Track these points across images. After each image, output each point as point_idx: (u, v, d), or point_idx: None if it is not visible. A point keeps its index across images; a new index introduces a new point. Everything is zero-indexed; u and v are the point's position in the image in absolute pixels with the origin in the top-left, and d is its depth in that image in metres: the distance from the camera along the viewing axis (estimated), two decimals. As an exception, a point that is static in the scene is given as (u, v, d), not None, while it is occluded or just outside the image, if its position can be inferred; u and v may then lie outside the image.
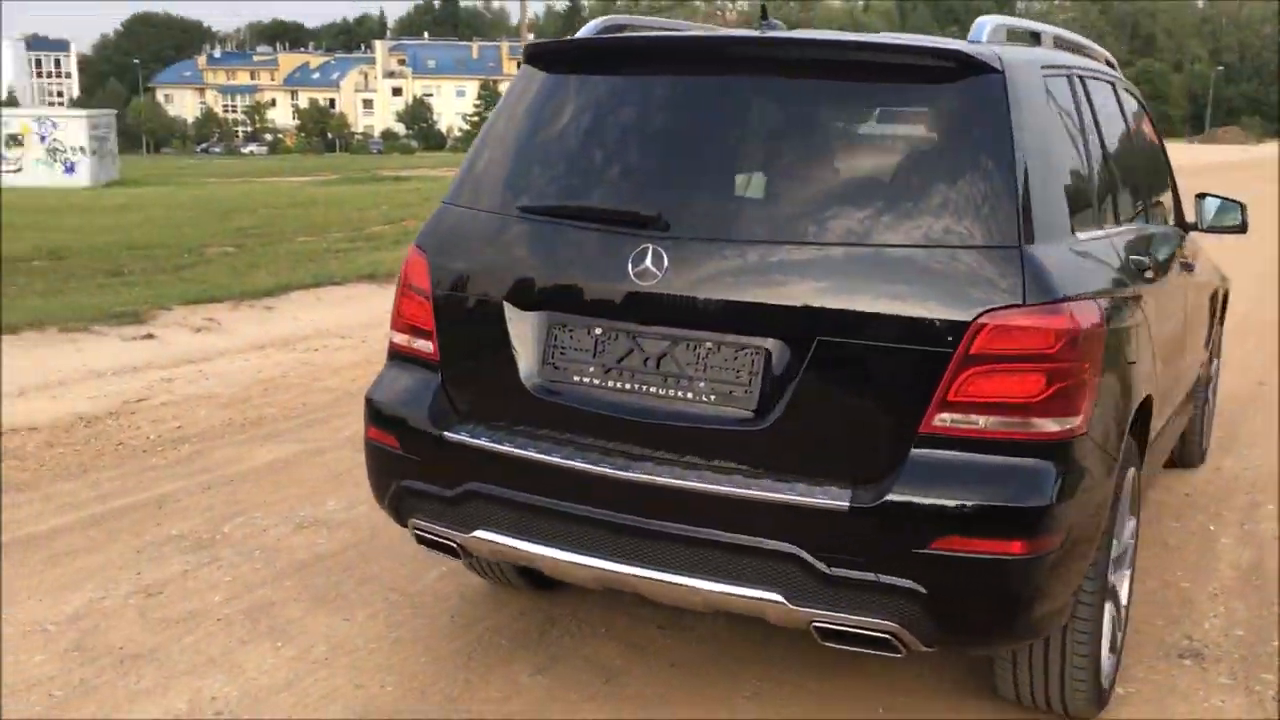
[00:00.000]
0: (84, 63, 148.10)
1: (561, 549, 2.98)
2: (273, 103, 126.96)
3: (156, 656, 3.62)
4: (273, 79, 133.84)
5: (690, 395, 2.90)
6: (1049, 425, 2.71)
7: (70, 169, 33.37)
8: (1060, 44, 3.63)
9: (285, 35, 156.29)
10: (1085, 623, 3.04)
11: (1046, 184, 2.94)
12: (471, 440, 3.10)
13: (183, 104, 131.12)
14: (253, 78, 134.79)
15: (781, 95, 3.05)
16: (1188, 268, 4.57)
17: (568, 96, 3.27)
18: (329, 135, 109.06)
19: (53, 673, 3.49)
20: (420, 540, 3.29)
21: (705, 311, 2.87)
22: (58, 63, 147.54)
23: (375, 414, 3.33)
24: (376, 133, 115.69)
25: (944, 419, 2.69)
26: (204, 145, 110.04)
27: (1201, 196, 4.87)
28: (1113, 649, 3.41)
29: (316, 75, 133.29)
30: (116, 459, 5.68)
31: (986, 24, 3.11)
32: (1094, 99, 3.61)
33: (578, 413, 3.01)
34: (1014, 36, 3.31)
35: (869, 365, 2.76)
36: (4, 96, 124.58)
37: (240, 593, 4.10)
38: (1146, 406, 3.47)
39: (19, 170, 32.96)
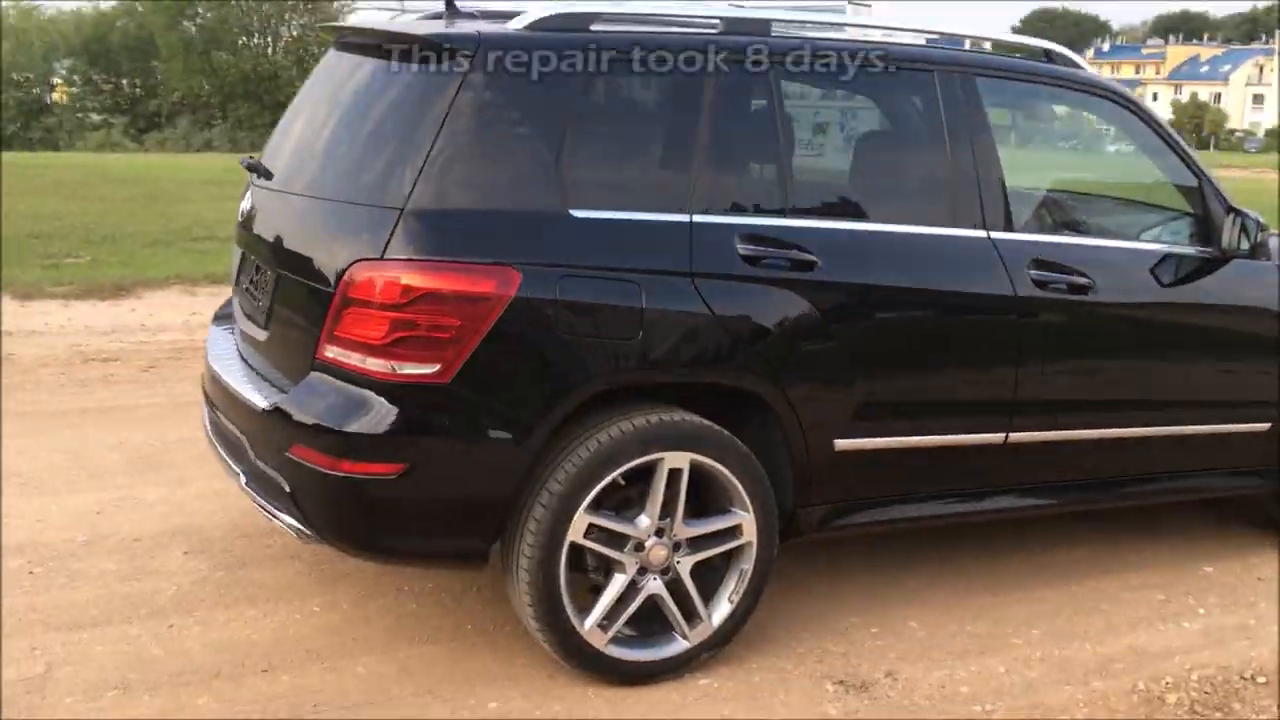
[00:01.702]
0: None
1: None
2: (1154, 97, 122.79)
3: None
4: (1158, 72, 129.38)
5: (254, 309, 3.65)
6: (395, 368, 3.05)
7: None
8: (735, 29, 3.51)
9: (1185, 27, 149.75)
10: (528, 573, 3.22)
11: (502, 156, 3.18)
12: (209, 334, 4.11)
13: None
14: (1137, 71, 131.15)
15: (351, 74, 3.57)
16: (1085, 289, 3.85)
17: (321, 73, 4.05)
18: (1203, 131, 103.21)
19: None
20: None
21: (261, 243, 3.61)
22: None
23: None
24: (1261, 130, 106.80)
25: (330, 350, 3.16)
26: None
27: (1231, 213, 4.04)
28: (685, 629, 3.42)
29: (1205, 68, 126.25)
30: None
31: (532, 13, 3.34)
32: (776, 87, 3.46)
33: (234, 320, 3.91)
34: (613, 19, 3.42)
35: (300, 298, 3.31)
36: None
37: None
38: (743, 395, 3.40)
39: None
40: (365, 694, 3.35)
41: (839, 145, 3.77)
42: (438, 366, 3.04)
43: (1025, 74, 3.94)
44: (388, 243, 3.05)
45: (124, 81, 60.82)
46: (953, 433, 3.73)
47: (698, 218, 3.33)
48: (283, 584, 4.01)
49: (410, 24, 3.58)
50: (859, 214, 3.63)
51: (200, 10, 53.70)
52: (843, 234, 3.53)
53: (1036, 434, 3.85)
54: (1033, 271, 3.73)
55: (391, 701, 3.32)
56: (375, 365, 3.06)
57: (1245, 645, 3.86)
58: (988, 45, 4.10)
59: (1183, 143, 4.13)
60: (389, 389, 3.06)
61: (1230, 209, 4.02)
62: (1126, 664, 3.71)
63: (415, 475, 3.09)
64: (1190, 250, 4.07)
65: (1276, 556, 4.56)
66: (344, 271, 3.09)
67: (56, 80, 59.50)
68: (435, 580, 4.02)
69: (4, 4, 58.29)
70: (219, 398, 3.68)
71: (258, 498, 3.34)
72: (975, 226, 3.69)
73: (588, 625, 3.32)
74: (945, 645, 3.78)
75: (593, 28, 3.37)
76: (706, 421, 3.35)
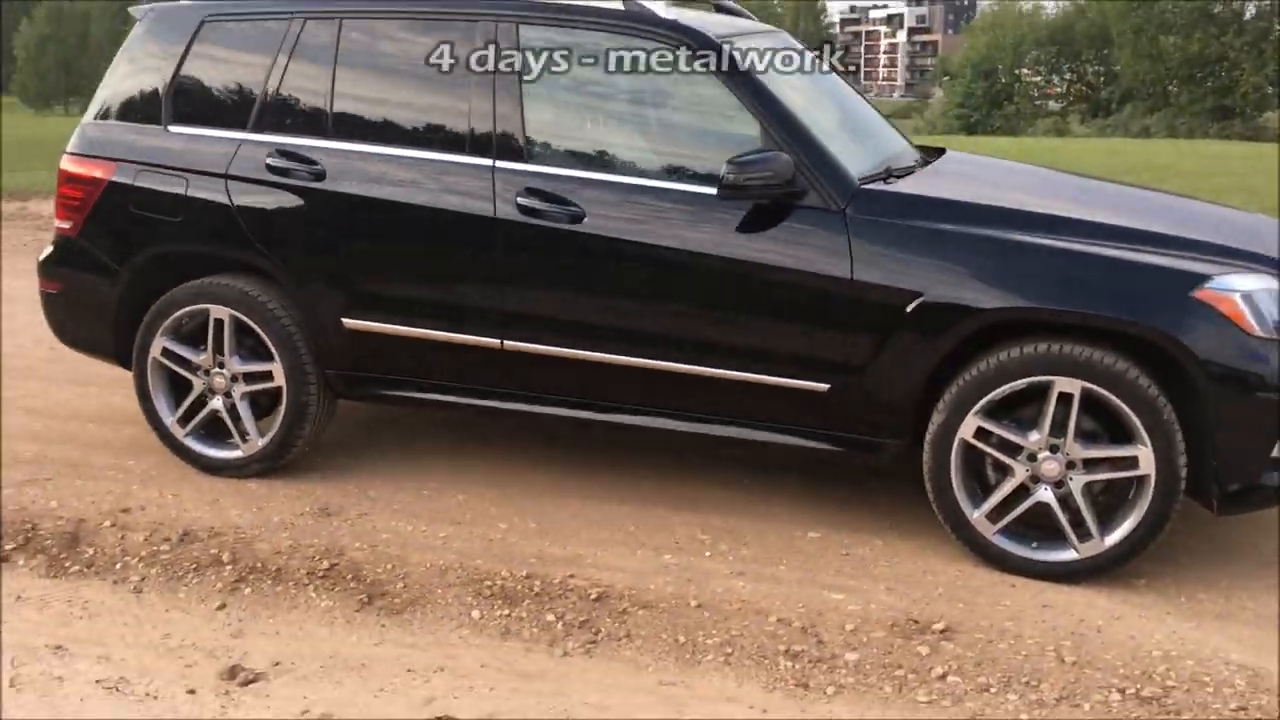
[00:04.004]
0: None
1: None
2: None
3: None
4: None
5: None
6: (60, 225, 4.81)
7: None
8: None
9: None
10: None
11: (134, 89, 4.74)
12: None
13: None
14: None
15: None
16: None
17: None
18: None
19: None
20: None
21: None
22: None
23: None
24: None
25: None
26: None
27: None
28: (239, 441, 4.69)
29: None
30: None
31: None
32: (338, 39, 4.44)
33: None
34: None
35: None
36: None
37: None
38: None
39: None
40: None
41: (387, 84, 4.50)
42: (71, 224, 4.74)
43: (575, 18, 4.26)
44: (70, 144, 4.81)
45: (1086, 69, 62.63)
46: (446, 330, 4.33)
47: (250, 135, 4.53)
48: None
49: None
50: (378, 139, 4.38)
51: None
52: (354, 153, 4.39)
53: (534, 346, 4.24)
54: (522, 199, 4.17)
55: None
56: (59, 224, 4.83)
57: (665, 580, 3.88)
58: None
59: (760, 83, 4.07)
60: (58, 239, 4.83)
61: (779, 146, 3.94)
62: (540, 561, 4.02)
63: (66, 293, 4.83)
64: (710, 190, 4.03)
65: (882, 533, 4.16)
66: None
67: (1022, 70, 63.10)
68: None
69: (985, 4, 62.97)
70: None
71: None
72: (483, 155, 4.26)
73: (170, 420, 4.74)
74: (456, 515, 4.39)
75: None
76: (245, 286, 4.53)
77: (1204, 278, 3.71)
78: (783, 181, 3.87)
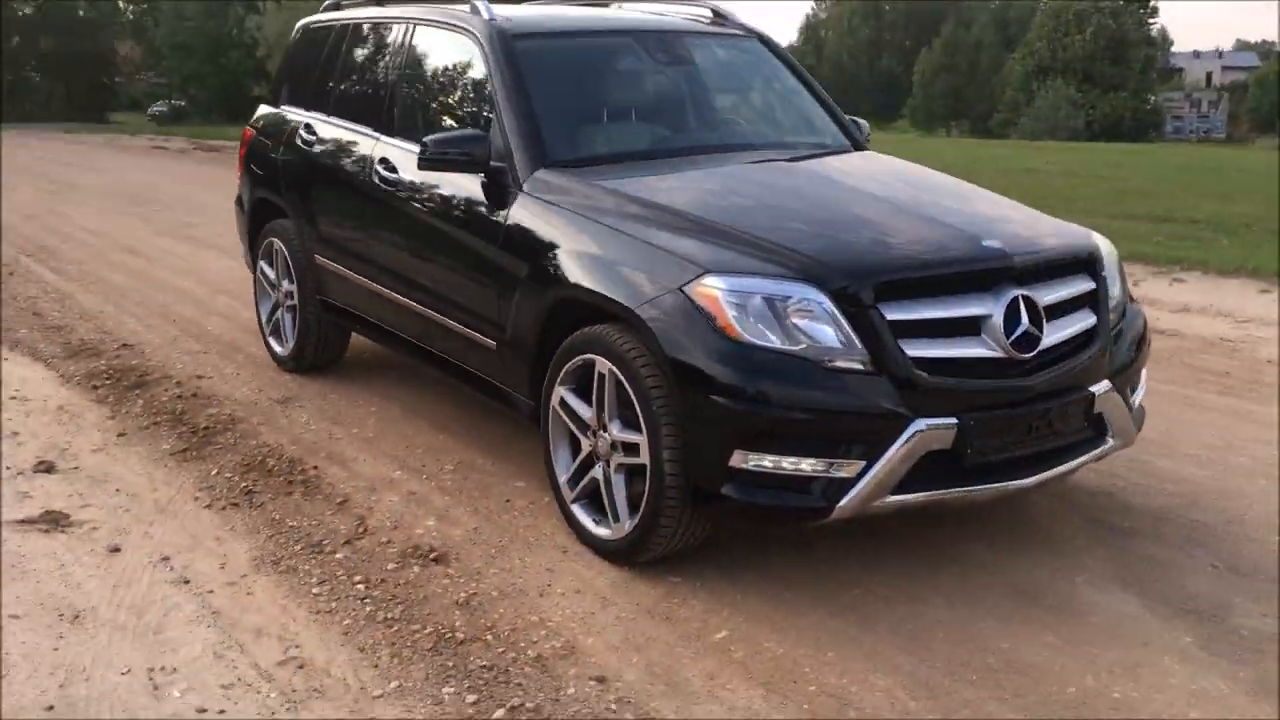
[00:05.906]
0: None
1: None
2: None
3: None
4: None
5: None
6: (238, 174, 6.71)
7: None
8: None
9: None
10: None
11: (284, 79, 6.44)
12: None
13: None
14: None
15: None
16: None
17: None
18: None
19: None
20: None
21: None
22: None
23: None
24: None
25: None
26: None
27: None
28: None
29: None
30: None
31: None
32: (347, 44, 5.75)
33: None
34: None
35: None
36: None
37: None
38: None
39: None
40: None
41: (357, 72, 5.57)
42: (239, 173, 6.61)
43: (438, 20, 5.07)
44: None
45: None
46: (360, 274, 5.43)
47: (305, 113, 6.03)
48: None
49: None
50: (343, 114, 5.59)
51: None
52: (331, 124, 5.67)
53: (380, 288, 5.21)
54: (379, 167, 5.16)
55: None
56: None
57: (358, 484, 4.67)
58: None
59: (510, 70, 4.58)
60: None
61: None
62: (328, 457, 5.00)
63: (237, 223, 6.72)
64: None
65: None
66: None
67: None
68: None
69: None
70: None
71: None
72: (380, 131, 5.31)
73: (263, 320, 6.43)
74: (345, 420, 5.51)
75: (336, 12, 6.23)
76: (289, 226, 6.03)
77: (703, 272, 3.62)
78: (476, 159, 4.43)
